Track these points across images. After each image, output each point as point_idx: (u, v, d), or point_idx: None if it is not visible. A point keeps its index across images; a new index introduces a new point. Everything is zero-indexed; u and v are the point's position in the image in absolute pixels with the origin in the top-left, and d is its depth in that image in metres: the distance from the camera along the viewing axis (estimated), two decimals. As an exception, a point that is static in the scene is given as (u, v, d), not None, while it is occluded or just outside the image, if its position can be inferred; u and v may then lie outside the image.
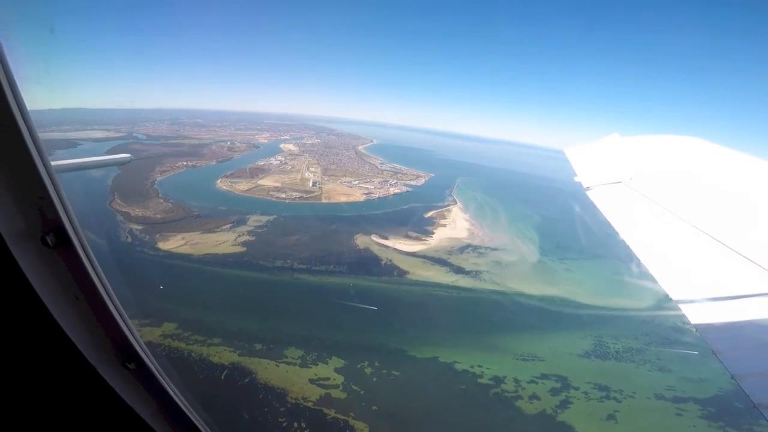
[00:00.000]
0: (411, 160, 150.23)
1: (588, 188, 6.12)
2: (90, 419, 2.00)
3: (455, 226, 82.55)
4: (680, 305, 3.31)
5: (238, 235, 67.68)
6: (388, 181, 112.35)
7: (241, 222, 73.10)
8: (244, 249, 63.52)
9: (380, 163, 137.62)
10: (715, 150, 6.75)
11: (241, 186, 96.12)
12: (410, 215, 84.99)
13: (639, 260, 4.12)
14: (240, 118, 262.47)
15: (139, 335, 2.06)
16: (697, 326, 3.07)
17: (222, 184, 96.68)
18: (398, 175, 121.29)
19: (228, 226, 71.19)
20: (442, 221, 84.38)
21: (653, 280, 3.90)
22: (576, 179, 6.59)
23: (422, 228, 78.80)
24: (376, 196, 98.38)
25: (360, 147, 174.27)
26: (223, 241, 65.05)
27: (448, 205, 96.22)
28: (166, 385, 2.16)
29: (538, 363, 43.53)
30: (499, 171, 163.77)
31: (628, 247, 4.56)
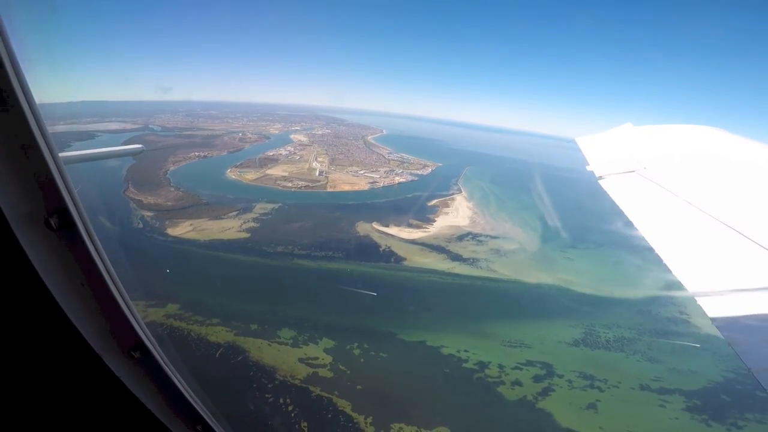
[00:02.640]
0: (419, 149, 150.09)
1: (600, 177, 6.07)
2: (94, 408, 2.00)
3: (458, 214, 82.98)
4: (696, 298, 3.25)
5: (243, 222, 70.08)
6: (394, 170, 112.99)
7: (247, 210, 75.48)
8: (248, 235, 65.90)
9: (388, 153, 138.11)
10: (731, 139, 6.72)
11: (250, 175, 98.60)
12: (413, 204, 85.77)
13: (653, 250, 4.02)
14: (253, 109, 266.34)
15: (144, 323, 2.06)
16: (714, 319, 2.99)
17: (231, 174, 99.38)
18: (405, 165, 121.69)
19: (234, 213, 73.70)
20: (445, 209, 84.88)
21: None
22: (588, 168, 6.56)
23: (424, 216, 79.58)
24: (381, 185, 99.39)
25: (369, 137, 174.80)
26: (229, 228, 67.54)
27: (453, 194, 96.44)
28: (171, 375, 2.15)
29: (525, 350, 44.26)
30: (508, 160, 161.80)
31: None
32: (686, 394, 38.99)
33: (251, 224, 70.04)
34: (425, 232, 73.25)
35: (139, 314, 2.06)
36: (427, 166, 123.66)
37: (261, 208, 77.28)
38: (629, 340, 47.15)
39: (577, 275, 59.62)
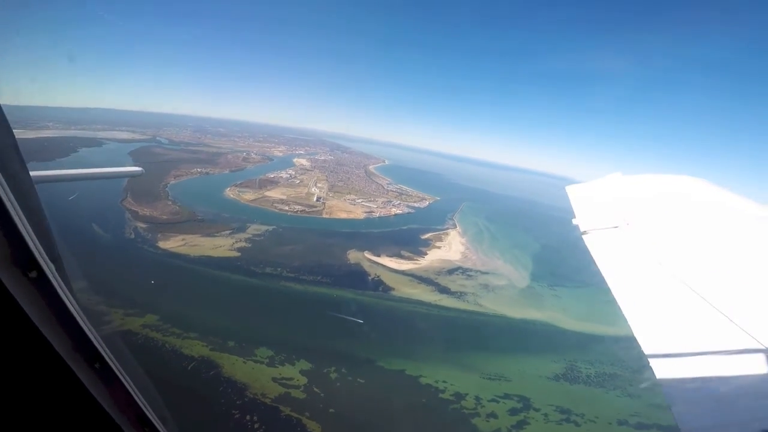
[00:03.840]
0: (419, 182, 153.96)
1: (584, 232, 6.03)
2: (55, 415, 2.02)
3: (450, 248, 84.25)
4: (649, 359, 3.36)
5: (235, 241, 71.47)
6: (391, 201, 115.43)
7: (241, 229, 77.07)
8: (238, 254, 67.10)
9: (387, 184, 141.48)
10: (716, 194, 6.73)
11: (248, 196, 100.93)
12: (407, 236, 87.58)
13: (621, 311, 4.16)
14: (261, 130, 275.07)
15: (101, 337, 2.10)
16: (661, 380, 3.12)
17: (230, 193, 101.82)
18: (403, 197, 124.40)
19: (228, 232, 75.24)
20: (438, 243, 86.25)
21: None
22: (574, 221, 6.53)
23: (416, 249, 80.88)
24: (377, 215, 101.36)
25: (371, 166, 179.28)
26: (220, 246, 68.85)
27: (447, 229, 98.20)
28: (128, 387, 2.22)
29: (503, 383, 44.64)
30: (506, 198, 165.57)
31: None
32: (664, 429, 38.94)
33: (243, 244, 71.40)
34: (416, 264, 74.28)
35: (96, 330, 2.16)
36: (425, 199, 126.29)
37: (255, 229, 78.85)
38: (610, 375, 47.59)
39: (563, 312, 60.52)
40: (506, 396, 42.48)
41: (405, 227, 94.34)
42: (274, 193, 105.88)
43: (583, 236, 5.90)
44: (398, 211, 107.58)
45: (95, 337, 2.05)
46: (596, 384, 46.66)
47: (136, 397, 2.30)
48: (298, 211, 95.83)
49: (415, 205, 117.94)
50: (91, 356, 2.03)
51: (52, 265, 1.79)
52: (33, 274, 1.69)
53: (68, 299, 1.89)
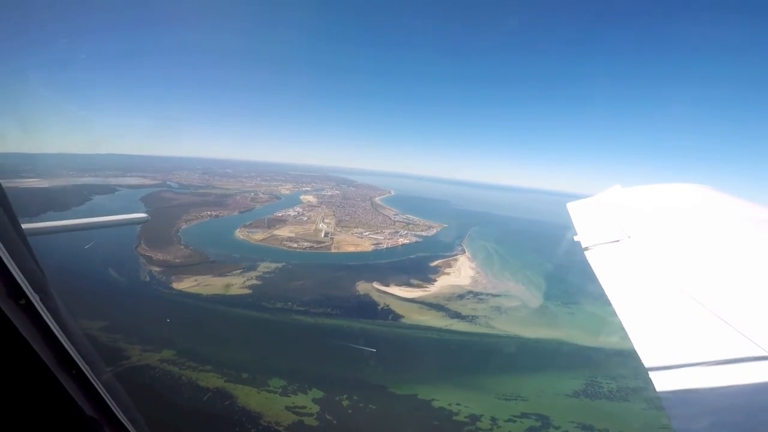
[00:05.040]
0: (425, 210, 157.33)
1: (586, 248, 6.01)
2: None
3: (459, 274, 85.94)
4: (649, 372, 3.32)
5: (246, 280, 74.72)
6: (398, 232, 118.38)
7: (251, 268, 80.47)
8: (249, 291, 70.16)
9: (394, 214, 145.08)
10: (721, 200, 6.79)
11: (257, 236, 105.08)
12: (415, 264, 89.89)
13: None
14: (267, 168, 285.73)
15: (79, 350, 2.38)
16: (662, 392, 3.08)
17: (240, 234, 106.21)
18: (410, 226, 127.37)
19: (239, 271, 78.71)
20: (447, 270, 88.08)
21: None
22: (576, 238, 6.50)
23: (425, 276, 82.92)
24: (385, 246, 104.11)
25: (377, 198, 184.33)
26: (232, 284, 72.11)
27: (456, 255, 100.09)
28: (99, 390, 2.50)
29: (520, 402, 45.32)
30: (514, 220, 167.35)
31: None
32: None
33: (254, 281, 74.58)
34: (425, 291, 76.10)
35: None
36: (432, 227, 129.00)
37: (265, 267, 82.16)
38: (634, 389, 47.22)
39: (579, 329, 61.08)
40: (523, 415, 43.14)
41: (413, 256, 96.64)
42: (283, 232, 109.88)
43: (585, 252, 5.92)
44: (406, 241, 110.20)
45: (72, 350, 2.34)
46: (619, 398, 46.77)
47: (107, 399, 2.59)
48: (306, 247, 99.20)
49: (423, 233, 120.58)
50: (69, 364, 2.33)
51: (36, 296, 2.13)
52: (22, 302, 2.05)
53: (50, 320, 2.21)
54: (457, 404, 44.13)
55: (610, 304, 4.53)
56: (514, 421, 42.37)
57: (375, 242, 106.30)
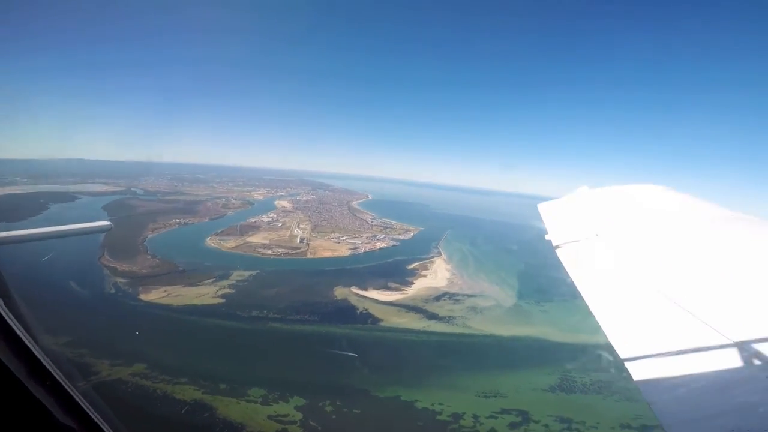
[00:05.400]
0: (403, 214, 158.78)
1: (557, 246, 6.35)
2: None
3: (436, 276, 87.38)
4: (626, 363, 3.53)
5: (219, 289, 73.25)
6: (376, 236, 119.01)
7: (224, 277, 78.89)
8: (222, 300, 68.87)
9: (371, 219, 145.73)
10: (677, 199, 7.46)
11: (229, 243, 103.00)
12: (392, 268, 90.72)
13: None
14: (240, 173, 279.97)
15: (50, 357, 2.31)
16: (638, 381, 3.30)
17: (211, 242, 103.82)
18: (387, 230, 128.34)
19: (210, 280, 76.98)
20: (424, 272, 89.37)
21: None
22: (547, 237, 6.86)
23: (402, 279, 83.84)
24: (362, 250, 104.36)
25: (354, 202, 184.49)
26: (204, 294, 70.52)
27: (433, 257, 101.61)
28: (73, 393, 2.42)
29: (499, 399, 46.75)
30: (489, 222, 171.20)
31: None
32: None
33: (227, 290, 73.23)
34: (403, 294, 77.01)
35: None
36: (410, 231, 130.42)
37: (238, 275, 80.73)
38: (607, 382, 49.38)
39: (552, 326, 63.49)
40: (504, 411, 44.55)
41: (390, 260, 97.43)
42: (257, 238, 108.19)
43: (557, 250, 6.26)
44: (383, 245, 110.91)
45: (45, 359, 2.28)
46: (593, 391, 48.89)
47: (88, 411, 2.51)
48: (281, 254, 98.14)
49: (400, 237, 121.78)
50: (42, 375, 2.26)
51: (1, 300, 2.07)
52: None
53: (17, 328, 2.14)
54: (440, 404, 45.01)
55: (581, 299, 4.82)
56: (496, 418, 43.67)
57: (352, 247, 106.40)
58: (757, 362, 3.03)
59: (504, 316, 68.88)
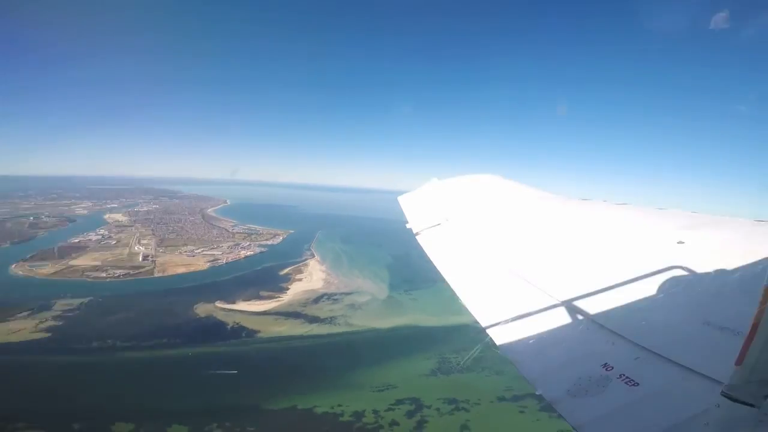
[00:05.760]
0: (269, 218, 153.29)
1: (417, 233, 6.90)
2: None
3: (311, 278, 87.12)
4: (487, 330, 3.94)
5: (40, 322, 60.48)
6: (239, 244, 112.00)
7: (44, 308, 65.06)
8: (48, 334, 57.57)
9: (232, 226, 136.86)
10: (507, 185, 8.71)
11: (45, 269, 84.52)
12: (263, 276, 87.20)
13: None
14: (53, 184, 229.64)
15: None
16: (500, 346, 3.66)
17: (18, 269, 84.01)
18: (253, 237, 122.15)
19: (25, 313, 62.98)
20: (298, 276, 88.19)
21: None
22: (408, 226, 7.38)
23: (275, 286, 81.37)
24: (224, 261, 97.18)
25: (209, 210, 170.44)
26: (20, 329, 57.97)
27: (306, 260, 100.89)
28: None
29: (392, 390, 49.09)
30: (359, 219, 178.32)
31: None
32: (536, 397, 47.40)
33: (51, 323, 60.75)
34: (278, 301, 74.81)
35: None
36: (278, 235, 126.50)
37: (64, 304, 67.28)
38: (476, 359, 54.15)
39: (423, 312, 69.58)
40: (399, 402, 46.87)
41: (259, 268, 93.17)
42: (84, 261, 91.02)
43: (417, 237, 6.82)
44: (249, 253, 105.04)
45: None
46: (467, 370, 53.62)
47: None
48: (120, 275, 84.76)
49: (268, 242, 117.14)
50: None
51: None
52: None
53: None
54: (339, 405, 45.36)
55: (444, 281, 5.20)
56: (393, 410, 45.72)
57: (211, 259, 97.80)
58: (579, 317, 3.70)
59: (381, 309, 72.90)
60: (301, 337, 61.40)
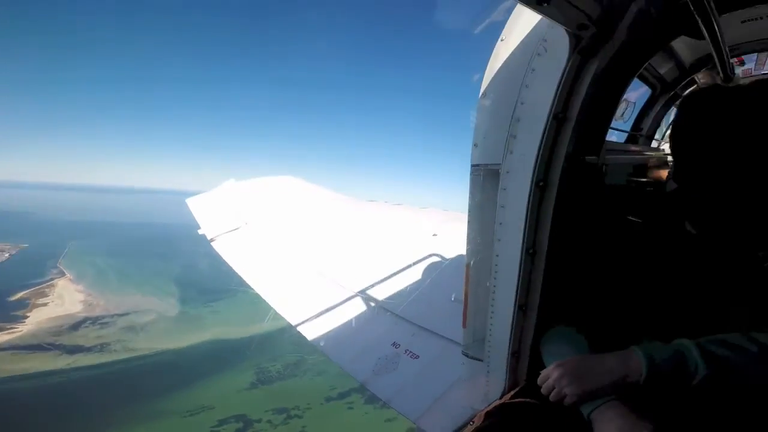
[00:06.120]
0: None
1: (212, 240, 6.49)
2: None
3: (63, 302, 69.88)
4: (297, 328, 4.06)
5: None
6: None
7: None
8: None
9: None
10: (305, 187, 8.79)
11: None
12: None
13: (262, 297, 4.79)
14: None
15: None
16: (311, 340, 3.84)
17: None
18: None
19: None
20: (42, 300, 69.26)
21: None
22: (200, 232, 6.79)
23: (7, 315, 61.58)
24: None
25: None
26: None
27: (52, 280, 79.27)
28: None
29: (210, 412, 44.29)
30: (130, 226, 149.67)
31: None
32: (358, 390, 43.97)
33: None
34: (12, 333, 57.48)
35: None
36: (2, 251, 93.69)
37: None
38: (295, 363, 54.22)
39: (227, 324, 64.69)
40: (222, 422, 42.85)
41: (-27, 295, 67.47)
42: None
43: (212, 243, 6.42)
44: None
45: None
46: (289, 376, 52.04)
47: None
48: None
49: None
50: None
51: None
52: None
53: None
54: (148, 439, 38.47)
55: (247, 288, 5.12)
56: (218, 431, 41.85)
57: None
58: (372, 303, 4.21)
59: (173, 327, 64.29)
60: (62, 372, 48.91)
